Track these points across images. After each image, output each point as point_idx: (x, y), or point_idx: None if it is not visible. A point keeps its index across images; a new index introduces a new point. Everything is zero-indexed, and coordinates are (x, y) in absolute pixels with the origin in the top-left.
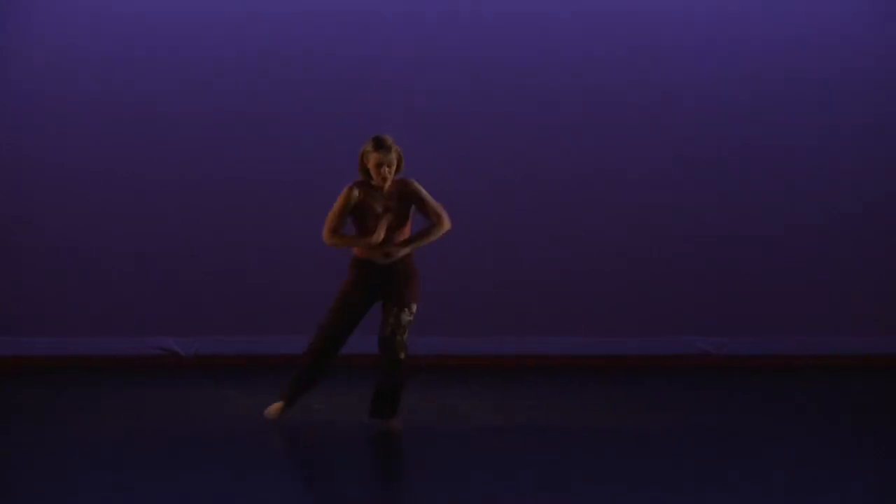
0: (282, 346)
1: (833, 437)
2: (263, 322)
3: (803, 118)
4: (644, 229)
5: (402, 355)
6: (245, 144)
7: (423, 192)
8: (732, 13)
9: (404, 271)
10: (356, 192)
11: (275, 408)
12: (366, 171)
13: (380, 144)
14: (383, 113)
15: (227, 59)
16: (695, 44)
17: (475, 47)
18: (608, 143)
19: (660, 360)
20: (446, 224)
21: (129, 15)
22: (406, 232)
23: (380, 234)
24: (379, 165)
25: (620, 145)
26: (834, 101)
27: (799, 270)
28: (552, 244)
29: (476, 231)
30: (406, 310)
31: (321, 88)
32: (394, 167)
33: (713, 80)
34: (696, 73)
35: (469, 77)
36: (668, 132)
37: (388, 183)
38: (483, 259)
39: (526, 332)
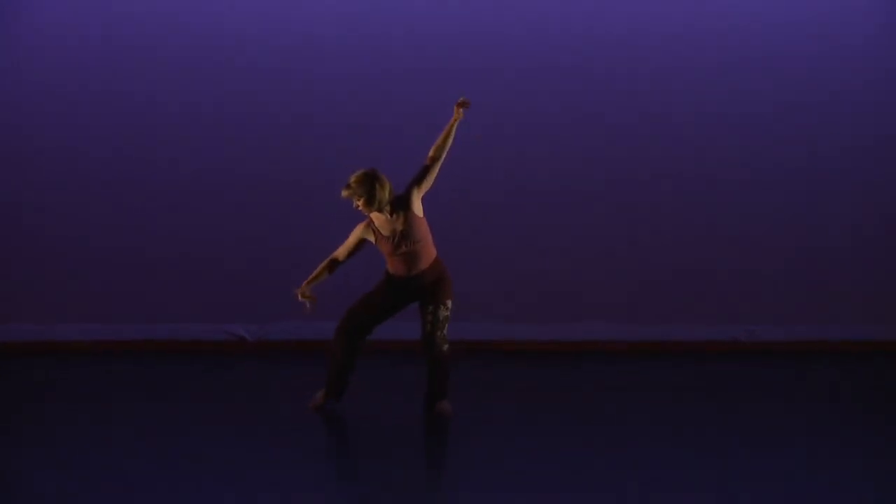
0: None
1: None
2: (325, 308)
3: (834, 119)
4: (684, 227)
5: (445, 348)
6: (309, 137)
7: (409, 183)
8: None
9: (434, 276)
10: (365, 229)
11: (317, 399)
12: None
13: (344, 185)
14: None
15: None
16: (724, 47)
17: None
18: (652, 142)
19: (694, 345)
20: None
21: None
22: (427, 241)
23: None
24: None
25: (661, 146)
26: (862, 102)
27: (826, 262)
28: (594, 240)
29: (510, 225)
30: (442, 307)
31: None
32: (361, 199)
33: (740, 85)
34: (725, 76)
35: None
36: (705, 131)
37: (368, 213)
38: (535, 248)
39: (557, 319)
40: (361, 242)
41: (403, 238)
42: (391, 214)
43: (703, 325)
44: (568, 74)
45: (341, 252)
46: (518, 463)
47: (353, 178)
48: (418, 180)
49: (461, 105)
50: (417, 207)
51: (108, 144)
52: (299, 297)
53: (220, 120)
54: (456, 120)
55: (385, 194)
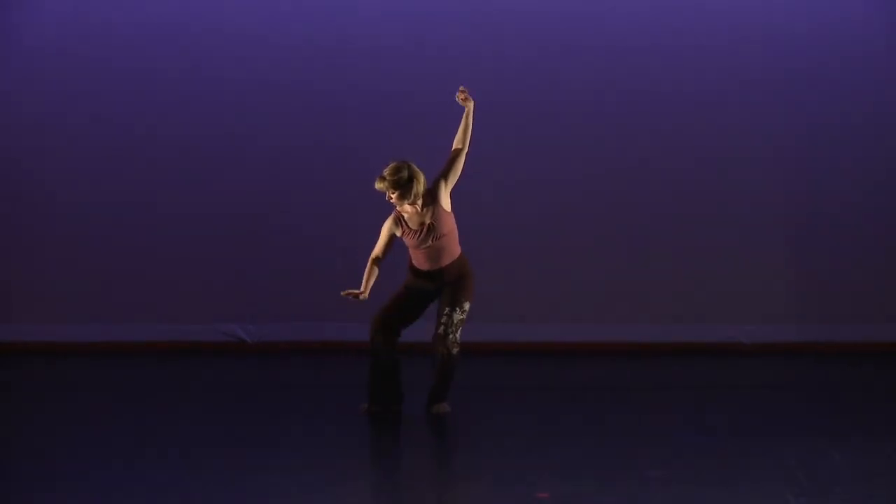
0: (345, 332)
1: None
2: (324, 309)
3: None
4: (684, 228)
5: (455, 350)
6: (313, 140)
7: (437, 177)
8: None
9: (458, 272)
10: (394, 224)
11: (364, 407)
12: None
13: (378, 177)
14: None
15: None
16: (724, 49)
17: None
18: (653, 145)
19: (694, 346)
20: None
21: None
22: (453, 236)
23: (365, 293)
24: (383, 194)
25: (662, 148)
26: (862, 102)
27: (826, 263)
28: (595, 241)
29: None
30: (458, 308)
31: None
32: (395, 193)
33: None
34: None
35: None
36: (706, 133)
37: (401, 206)
38: (534, 250)
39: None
40: (393, 237)
41: (430, 232)
42: (422, 208)
43: (703, 325)
44: (575, 76)
45: (379, 250)
46: (518, 463)
47: (387, 171)
48: (445, 174)
49: (463, 95)
50: (445, 202)
51: (107, 145)
52: (360, 298)
53: (220, 121)
54: (470, 108)
55: (420, 187)
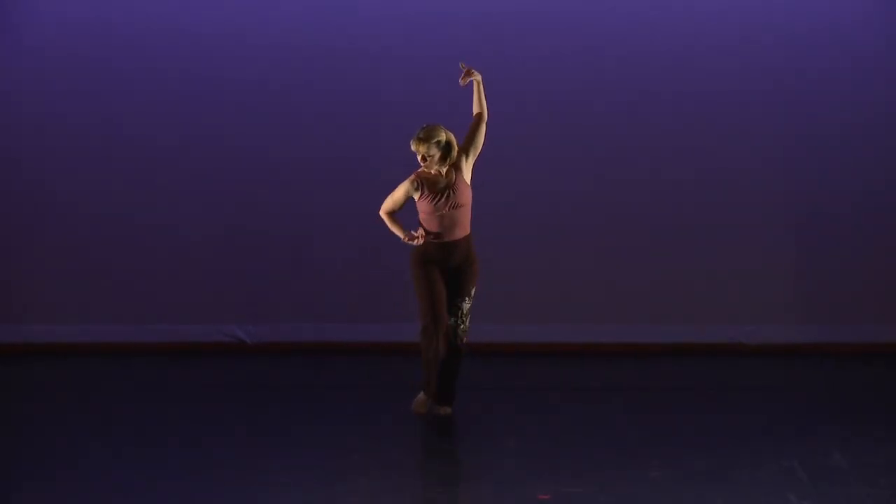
0: (345, 332)
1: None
2: (324, 309)
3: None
4: (685, 228)
5: (465, 340)
6: (313, 140)
7: (460, 148)
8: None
9: (466, 253)
10: (414, 185)
11: (420, 401)
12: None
13: (415, 136)
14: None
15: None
16: (727, 50)
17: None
18: (654, 144)
19: (699, 347)
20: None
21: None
22: (469, 209)
23: (411, 234)
24: (419, 155)
25: (664, 148)
26: (864, 103)
27: (828, 263)
28: (595, 241)
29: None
30: (467, 297)
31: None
32: (435, 156)
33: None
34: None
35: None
36: (707, 133)
37: (434, 170)
38: (546, 251)
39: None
40: (407, 200)
41: (448, 199)
42: (445, 174)
43: (703, 325)
44: (574, 76)
45: (392, 208)
46: (519, 463)
47: (424, 133)
48: (466, 148)
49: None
50: (467, 174)
51: (107, 145)
52: (416, 238)
53: (220, 121)
54: (477, 83)
55: (455, 151)
